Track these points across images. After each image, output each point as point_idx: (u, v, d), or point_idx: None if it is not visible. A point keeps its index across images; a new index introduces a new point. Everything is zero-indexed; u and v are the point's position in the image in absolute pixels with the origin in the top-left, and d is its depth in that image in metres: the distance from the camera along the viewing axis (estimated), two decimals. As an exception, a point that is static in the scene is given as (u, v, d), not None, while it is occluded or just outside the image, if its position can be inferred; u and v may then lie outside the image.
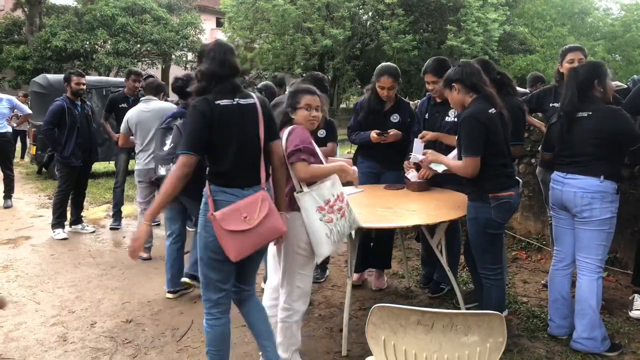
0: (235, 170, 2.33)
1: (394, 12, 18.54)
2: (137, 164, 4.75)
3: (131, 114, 4.71)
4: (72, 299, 3.80)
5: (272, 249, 2.79)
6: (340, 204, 2.62)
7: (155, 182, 4.50)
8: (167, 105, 4.81)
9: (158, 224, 5.56)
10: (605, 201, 2.81)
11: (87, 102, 5.67)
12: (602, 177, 2.80)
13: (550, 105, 3.79)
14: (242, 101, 2.36)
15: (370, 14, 20.93)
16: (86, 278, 4.24)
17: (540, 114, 4.09)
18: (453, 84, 2.82)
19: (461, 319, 1.63)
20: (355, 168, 2.87)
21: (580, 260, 2.93)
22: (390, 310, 1.65)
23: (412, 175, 3.56)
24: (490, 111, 2.70)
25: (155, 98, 4.77)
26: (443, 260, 3.25)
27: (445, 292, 3.79)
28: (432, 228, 3.22)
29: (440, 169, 3.12)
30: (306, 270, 2.68)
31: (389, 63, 3.91)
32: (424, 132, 3.47)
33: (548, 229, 4.40)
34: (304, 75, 4.33)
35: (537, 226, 4.64)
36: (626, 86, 3.97)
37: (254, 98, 2.43)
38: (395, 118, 3.85)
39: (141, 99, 4.90)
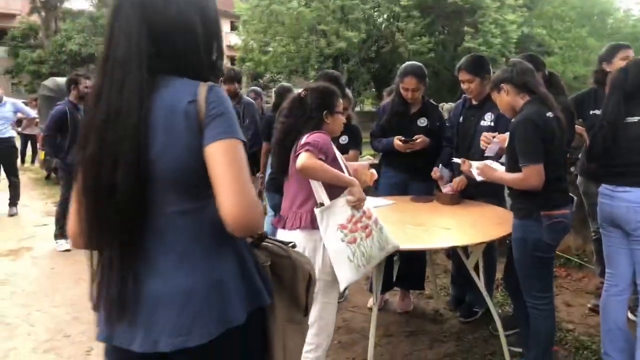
0: None
1: (410, 14, 18.23)
2: None
3: None
4: (69, 320, 3.49)
5: None
6: (367, 221, 2.24)
7: None
8: None
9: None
10: None
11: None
12: None
13: (591, 112, 3.39)
14: None
15: (385, 16, 20.59)
16: (86, 296, 3.87)
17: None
18: (502, 84, 2.45)
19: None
20: (373, 171, 2.54)
21: None
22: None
23: (447, 189, 3.20)
24: (547, 115, 2.33)
25: None
26: (480, 284, 2.88)
27: (478, 315, 3.41)
28: (467, 247, 2.85)
29: (478, 178, 2.74)
30: (331, 298, 2.33)
31: (413, 62, 3.55)
32: (461, 164, 2.96)
33: (591, 244, 4.01)
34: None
35: (578, 241, 4.24)
36: None
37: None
38: (422, 122, 3.49)
39: None
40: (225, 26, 28.79)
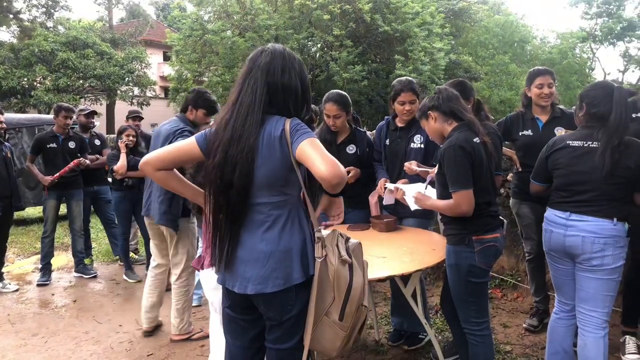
0: None
1: (343, 43, 18.59)
2: None
3: None
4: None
5: None
6: None
7: None
8: None
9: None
10: (617, 247, 2.37)
11: (6, 144, 5.02)
12: (614, 219, 2.36)
13: (520, 133, 3.51)
14: None
15: (319, 45, 20.90)
16: (16, 346, 3.57)
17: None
18: (429, 112, 2.47)
19: None
20: None
21: (583, 313, 2.49)
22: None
23: (386, 198, 3.14)
24: (475, 140, 2.35)
25: None
26: (419, 312, 2.85)
27: (424, 342, 3.36)
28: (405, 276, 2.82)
29: (413, 207, 2.74)
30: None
31: (337, 90, 3.52)
32: (394, 191, 2.96)
33: (523, 264, 4.10)
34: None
35: (511, 261, 4.32)
36: None
37: None
38: (351, 149, 3.47)
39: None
40: (157, 56, 28.30)
